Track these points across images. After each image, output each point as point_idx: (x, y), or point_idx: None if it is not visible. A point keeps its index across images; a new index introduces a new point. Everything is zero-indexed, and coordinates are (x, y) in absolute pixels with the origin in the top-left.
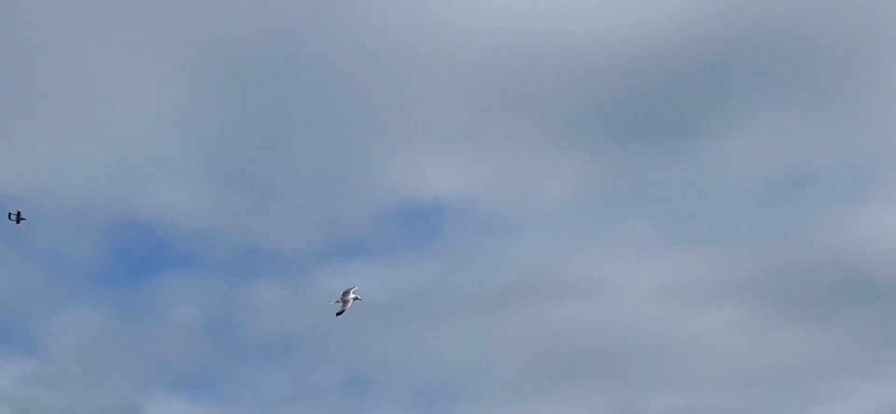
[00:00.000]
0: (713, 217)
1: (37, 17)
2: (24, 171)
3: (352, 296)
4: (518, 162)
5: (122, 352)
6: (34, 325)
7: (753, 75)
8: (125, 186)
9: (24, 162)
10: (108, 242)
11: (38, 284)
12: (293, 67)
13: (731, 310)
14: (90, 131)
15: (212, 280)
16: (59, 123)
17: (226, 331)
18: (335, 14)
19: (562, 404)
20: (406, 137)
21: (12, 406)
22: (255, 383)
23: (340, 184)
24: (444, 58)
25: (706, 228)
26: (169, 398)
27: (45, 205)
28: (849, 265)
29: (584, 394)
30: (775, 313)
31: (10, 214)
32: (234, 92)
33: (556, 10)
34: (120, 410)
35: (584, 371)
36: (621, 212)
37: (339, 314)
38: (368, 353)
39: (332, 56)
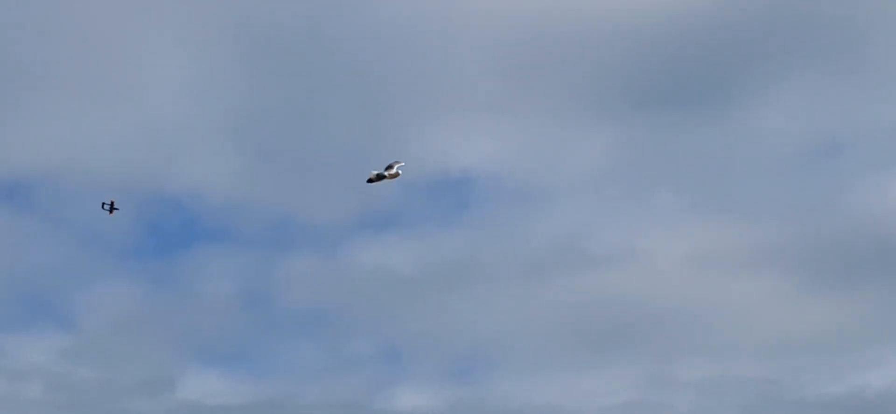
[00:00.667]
0: (744, 186)
1: None
2: (55, 147)
3: (396, 170)
4: (547, 132)
5: (155, 326)
6: (67, 300)
7: (785, 43)
8: (156, 161)
9: (54, 137)
10: (141, 217)
11: (70, 258)
12: (323, 40)
13: (763, 279)
14: (120, 105)
15: (244, 253)
16: (89, 98)
17: (259, 303)
18: None
19: (597, 374)
20: (435, 109)
21: (47, 380)
22: (289, 355)
23: (370, 156)
24: (472, 28)
25: (737, 197)
26: (202, 371)
27: (76, 179)
28: (883, 232)
29: (619, 364)
30: (809, 282)
31: (103, 203)
32: (264, 65)
33: None
34: (154, 384)
35: (618, 341)
36: (651, 181)
37: (370, 181)
38: (402, 324)
39: (362, 28)
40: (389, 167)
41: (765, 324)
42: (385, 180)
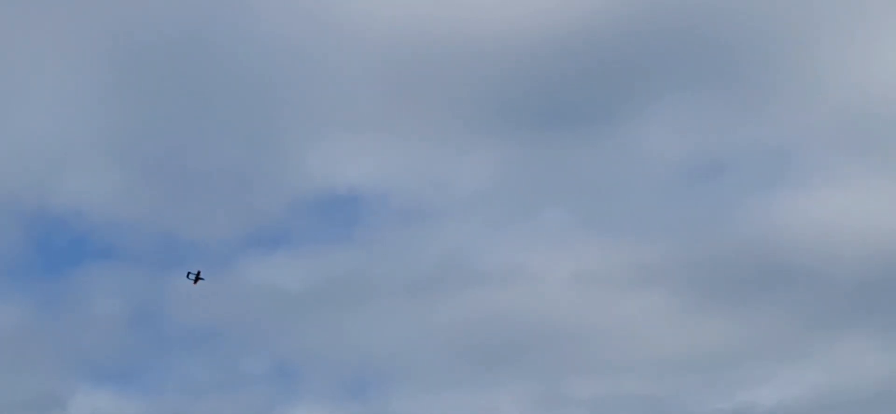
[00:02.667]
0: (630, 205)
1: None
2: None
3: None
4: (433, 151)
5: (44, 345)
6: None
7: (666, 62)
8: (40, 179)
9: None
10: (26, 235)
11: None
12: (206, 53)
13: (650, 297)
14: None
15: (132, 271)
16: None
17: (148, 322)
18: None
19: (488, 391)
20: (321, 126)
21: None
22: (181, 373)
23: (255, 173)
24: (358, 46)
25: (623, 215)
26: (93, 390)
27: None
28: (766, 252)
29: (510, 381)
30: (695, 300)
31: (188, 273)
32: (146, 81)
33: None
34: (44, 403)
35: (508, 359)
36: (538, 200)
37: None
38: (294, 342)
39: (247, 43)
40: None
41: (653, 342)
42: None
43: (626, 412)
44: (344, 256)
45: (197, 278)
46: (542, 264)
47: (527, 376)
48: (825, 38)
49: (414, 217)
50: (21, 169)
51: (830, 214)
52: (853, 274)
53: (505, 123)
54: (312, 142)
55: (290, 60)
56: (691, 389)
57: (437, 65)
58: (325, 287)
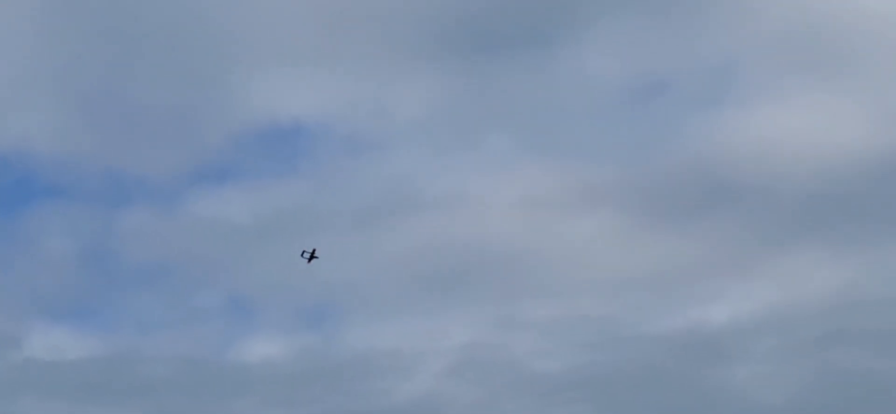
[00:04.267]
0: (573, 128)
1: None
2: None
3: None
4: (375, 80)
5: None
6: None
7: None
8: None
9: None
10: None
11: None
12: None
13: (598, 219)
14: None
15: (81, 209)
16: None
17: (100, 259)
18: None
19: (440, 317)
20: (261, 60)
21: None
22: (135, 310)
23: (198, 108)
24: None
25: (567, 138)
26: (49, 328)
27: None
28: (712, 170)
29: (461, 306)
30: (643, 220)
31: (303, 251)
32: (87, 17)
33: None
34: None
35: (461, 283)
36: (481, 126)
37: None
38: (246, 275)
39: None
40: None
41: (603, 263)
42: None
43: (578, 333)
44: (291, 189)
45: (311, 257)
46: (488, 190)
47: (478, 301)
48: None
49: (358, 147)
50: None
51: (774, 130)
52: (800, 190)
53: (445, 51)
54: (254, 75)
55: None
56: (643, 308)
57: None
58: (273, 219)
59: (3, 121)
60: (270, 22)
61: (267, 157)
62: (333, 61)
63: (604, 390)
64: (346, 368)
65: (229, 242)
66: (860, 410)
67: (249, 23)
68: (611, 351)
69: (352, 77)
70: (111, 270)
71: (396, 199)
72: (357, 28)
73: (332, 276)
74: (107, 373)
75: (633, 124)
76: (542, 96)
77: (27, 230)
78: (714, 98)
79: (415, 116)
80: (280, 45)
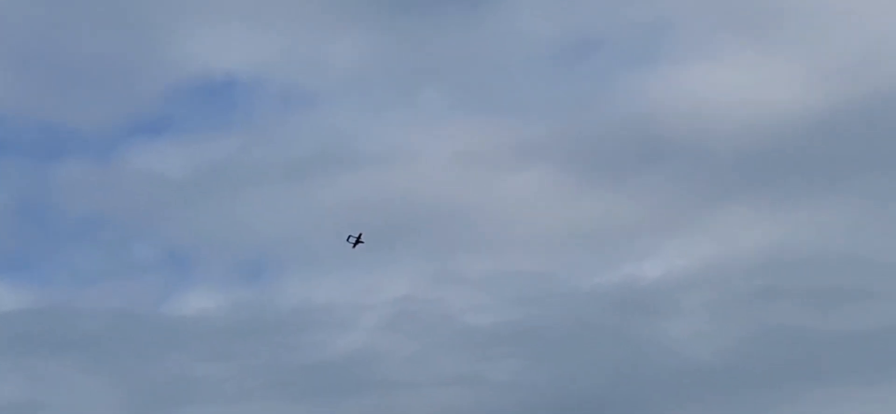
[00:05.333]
0: (507, 84)
1: None
2: None
3: None
4: (308, 34)
5: None
6: None
7: None
8: None
9: None
10: None
11: None
12: None
13: (532, 175)
14: None
15: (15, 162)
16: None
17: (36, 212)
18: None
19: (375, 271)
20: (195, 12)
21: None
22: (71, 263)
23: (132, 60)
24: None
25: (501, 95)
26: None
27: None
28: (645, 127)
29: (399, 261)
30: (577, 177)
31: (349, 236)
32: None
33: None
34: None
35: (397, 239)
36: (415, 81)
37: None
38: (183, 229)
39: None
40: None
41: (537, 219)
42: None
43: (512, 288)
44: (225, 142)
45: (357, 242)
46: (422, 145)
47: (414, 255)
48: None
49: (292, 101)
50: None
51: (707, 88)
52: (732, 147)
53: (379, 5)
54: (189, 28)
55: None
56: (577, 263)
57: None
58: (209, 173)
59: None
60: None
61: (202, 111)
62: (268, 15)
63: (538, 345)
64: (282, 322)
65: (165, 195)
66: (792, 366)
67: None
68: (545, 306)
69: (287, 31)
70: (46, 223)
71: (331, 153)
72: None
73: (267, 230)
74: (42, 325)
75: (566, 82)
76: (477, 53)
77: None
78: (647, 56)
79: (349, 71)
80: None
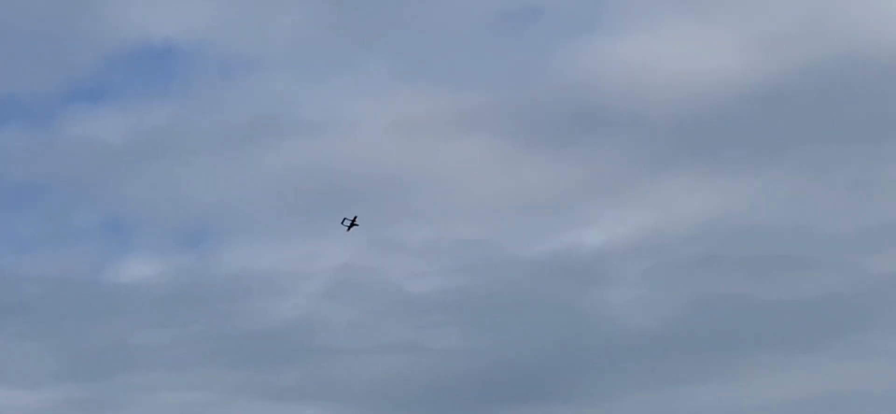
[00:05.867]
0: (447, 53)
1: None
2: None
3: None
4: (249, 1)
5: None
6: None
7: None
8: None
9: None
10: None
11: None
12: None
13: (472, 143)
14: None
15: None
16: None
17: None
18: None
19: (319, 239)
20: None
21: None
22: (9, 230)
23: (71, 27)
24: None
25: (440, 63)
26: None
27: None
28: (584, 96)
29: (339, 228)
30: (517, 145)
31: (343, 218)
32: None
33: None
34: None
35: (337, 206)
36: (354, 49)
37: None
38: (122, 196)
39: None
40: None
41: (478, 187)
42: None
43: (452, 257)
44: (165, 109)
45: (352, 224)
46: (362, 113)
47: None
48: None
49: (231, 68)
50: None
51: (647, 57)
52: (672, 116)
53: None
54: None
55: None
56: (517, 232)
57: None
58: (148, 140)
59: None
60: None
61: (141, 77)
62: None
63: (478, 313)
64: (222, 289)
65: (104, 162)
66: (731, 333)
67: None
68: (485, 274)
69: None
70: None
71: (271, 120)
72: None
73: (207, 197)
74: None
75: (507, 50)
76: (416, 21)
77: None
78: (587, 25)
79: (289, 38)
80: None
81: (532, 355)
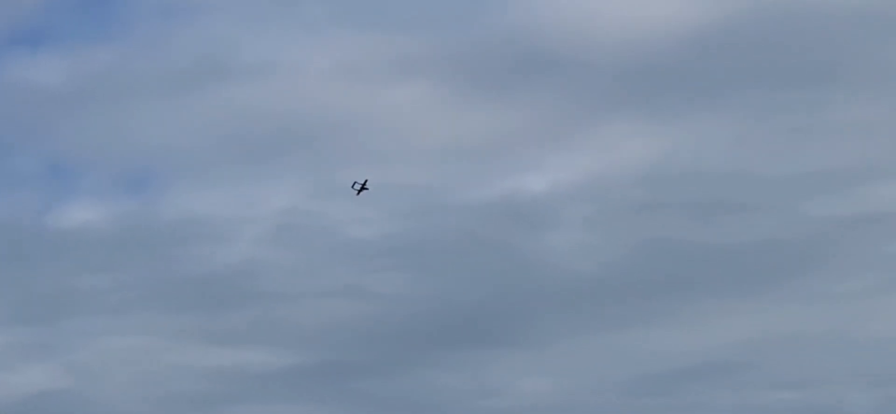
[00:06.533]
0: None
1: None
2: None
3: None
4: None
5: None
6: None
7: None
8: None
9: None
10: None
11: None
12: None
13: (415, 87)
14: None
15: None
16: None
17: None
18: None
19: (261, 184)
20: None
21: None
22: None
23: None
24: None
25: (382, 7)
26: None
27: None
28: (527, 40)
29: (282, 173)
30: (460, 90)
31: (354, 183)
32: None
33: None
34: None
35: (279, 151)
36: None
37: None
38: (64, 140)
39: None
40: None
41: (420, 132)
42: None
43: (395, 202)
44: (106, 53)
45: (362, 188)
46: (303, 57)
47: (296, 168)
48: None
49: (173, 11)
50: None
51: (588, 2)
52: (616, 61)
53: None
54: None
55: None
56: (460, 177)
57: None
58: (90, 84)
59: None
60: None
61: (81, 21)
62: None
63: (422, 258)
64: (166, 234)
65: (46, 106)
66: (674, 278)
67: None
68: (428, 219)
69: None
70: None
71: (212, 64)
72: None
73: (150, 142)
74: None
75: None
76: None
77: None
78: None
79: None
80: None
81: (476, 300)
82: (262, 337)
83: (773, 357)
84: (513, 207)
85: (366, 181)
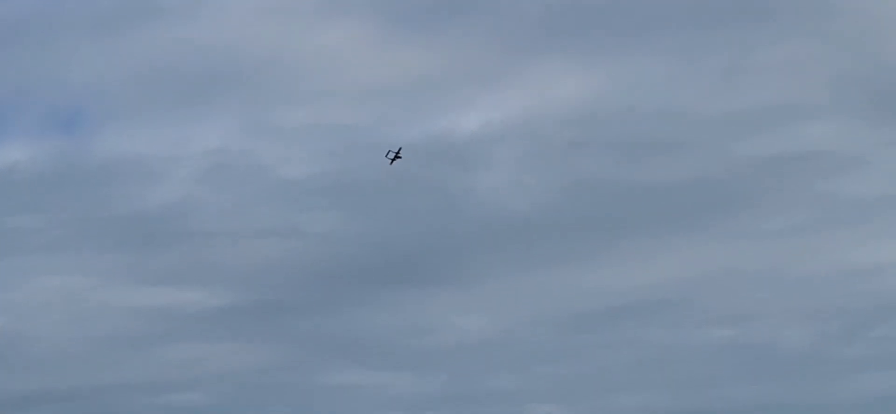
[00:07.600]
0: None
1: None
2: None
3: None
4: None
5: None
6: None
7: None
8: None
9: None
10: None
11: None
12: None
13: (345, 26)
14: None
15: None
16: None
17: None
18: None
19: (194, 123)
20: None
21: None
22: None
23: None
24: None
25: None
26: None
27: None
28: None
29: (214, 112)
30: (391, 29)
31: (388, 151)
32: None
33: None
34: None
35: (210, 90)
36: None
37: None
38: None
39: None
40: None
41: (352, 70)
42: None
43: (325, 141)
44: None
45: (396, 157)
46: None
47: (226, 107)
48: None
49: None
50: None
51: None
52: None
53: None
54: None
55: None
56: (393, 115)
57: None
58: (17, 24)
59: None
60: None
61: None
62: None
63: (353, 197)
64: (96, 174)
65: None
66: (605, 216)
67: None
68: (359, 158)
69: None
70: None
71: (140, 4)
72: None
73: (79, 81)
74: None
75: None
76: None
77: None
78: None
79: None
80: None
81: (407, 239)
82: (194, 276)
83: (706, 295)
84: (444, 147)
85: (400, 149)
